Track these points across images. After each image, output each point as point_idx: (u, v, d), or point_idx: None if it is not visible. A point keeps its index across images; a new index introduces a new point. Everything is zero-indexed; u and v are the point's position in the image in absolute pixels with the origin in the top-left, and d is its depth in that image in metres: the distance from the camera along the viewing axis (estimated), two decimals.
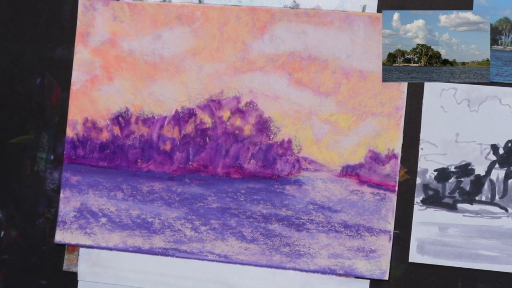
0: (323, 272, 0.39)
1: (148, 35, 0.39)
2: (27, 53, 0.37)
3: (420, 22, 0.38)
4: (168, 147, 0.39)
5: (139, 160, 0.40)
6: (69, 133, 0.40)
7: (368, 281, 0.39)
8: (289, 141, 0.39)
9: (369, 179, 0.38)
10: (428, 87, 0.38)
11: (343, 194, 0.39)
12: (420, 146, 0.38)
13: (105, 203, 0.40)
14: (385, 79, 0.38)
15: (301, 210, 0.39)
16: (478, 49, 0.37)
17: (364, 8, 0.38)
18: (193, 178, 0.39)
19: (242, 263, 0.39)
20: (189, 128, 0.39)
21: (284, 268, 0.39)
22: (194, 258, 0.40)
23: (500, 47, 0.38)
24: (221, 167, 0.39)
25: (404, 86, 0.38)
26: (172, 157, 0.39)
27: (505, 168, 0.38)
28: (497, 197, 0.38)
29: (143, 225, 0.40)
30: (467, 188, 0.38)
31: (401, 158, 0.38)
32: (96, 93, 0.40)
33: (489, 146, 0.38)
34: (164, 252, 0.40)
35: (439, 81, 0.38)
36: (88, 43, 0.39)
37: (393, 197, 0.38)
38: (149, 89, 0.39)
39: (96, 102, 0.41)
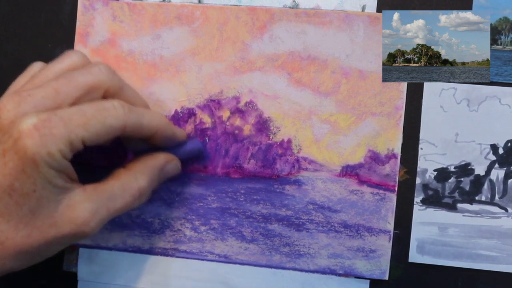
0: (323, 272, 0.39)
1: (147, 35, 0.39)
2: (27, 53, 0.37)
3: (420, 22, 0.38)
4: None
5: None
6: None
7: (368, 281, 0.39)
8: (289, 141, 0.39)
9: (369, 179, 0.38)
10: (428, 87, 0.38)
11: (343, 194, 0.39)
12: (420, 146, 0.38)
13: None
14: (385, 79, 0.38)
15: (301, 210, 0.39)
16: (478, 49, 0.37)
17: (363, 8, 0.38)
18: (193, 178, 0.39)
19: (242, 263, 0.39)
20: (188, 128, 0.39)
21: (284, 268, 0.39)
22: (194, 258, 0.40)
23: (499, 47, 0.38)
24: (220, 167, 0.39)
25: (403, 86, 0.38)
26: None
27: (505, 168, 0.38)
28: (497, 197, 0.38)
29: (142, 225, 0.40)
30: (467, 188, 0.38)
31: (400, 158, 0.38)
32: None
33: (489, 146, 0.38)
34: (163, 252, 0.40)
35: (439, 81, 0.38)
36: (88, 43, 0.39)
37: (393, 197, 0.38)
38: (149, 89, 0.39)
39: None
